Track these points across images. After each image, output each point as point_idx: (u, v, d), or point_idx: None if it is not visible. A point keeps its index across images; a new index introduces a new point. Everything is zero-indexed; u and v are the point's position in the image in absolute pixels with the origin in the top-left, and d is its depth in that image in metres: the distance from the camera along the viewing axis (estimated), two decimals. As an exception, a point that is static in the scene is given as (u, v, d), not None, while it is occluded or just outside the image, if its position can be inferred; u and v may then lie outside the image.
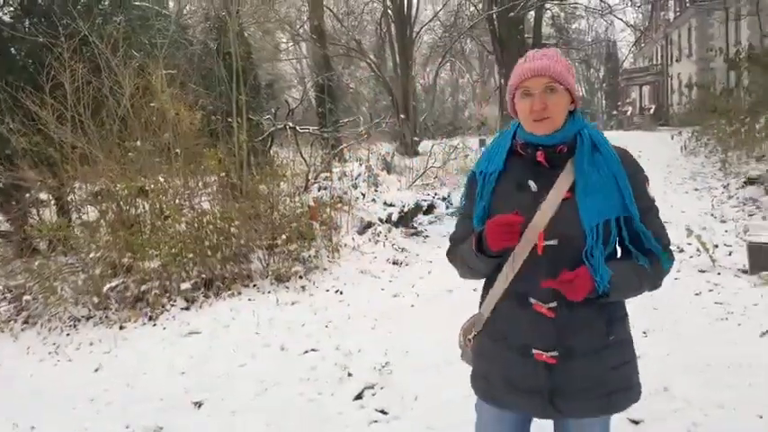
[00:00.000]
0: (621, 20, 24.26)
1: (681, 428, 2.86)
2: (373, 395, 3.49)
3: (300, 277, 5.86)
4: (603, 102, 47.87)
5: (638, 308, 2.43)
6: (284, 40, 25.60)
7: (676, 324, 4.21)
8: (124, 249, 5.46)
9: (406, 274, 6.18)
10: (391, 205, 8.47)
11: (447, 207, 9.35)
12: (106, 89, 6.07)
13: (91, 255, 5.44)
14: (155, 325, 4.87)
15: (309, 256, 6.26)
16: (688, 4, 30.49)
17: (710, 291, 4.94)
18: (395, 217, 8.09)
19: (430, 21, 24.24)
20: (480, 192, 1.62)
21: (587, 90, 51.88)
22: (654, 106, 35.50)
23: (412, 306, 5.12)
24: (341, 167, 10.48)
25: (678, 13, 33.55)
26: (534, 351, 1.54)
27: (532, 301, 1.54)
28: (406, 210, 8.33)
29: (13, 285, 5.49)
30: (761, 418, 2.91)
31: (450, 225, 8.65)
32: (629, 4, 22.52)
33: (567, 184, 1.51)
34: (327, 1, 20.74)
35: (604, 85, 47.42)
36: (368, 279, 5.97)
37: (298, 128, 10.29)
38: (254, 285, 5.72)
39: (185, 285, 5.29)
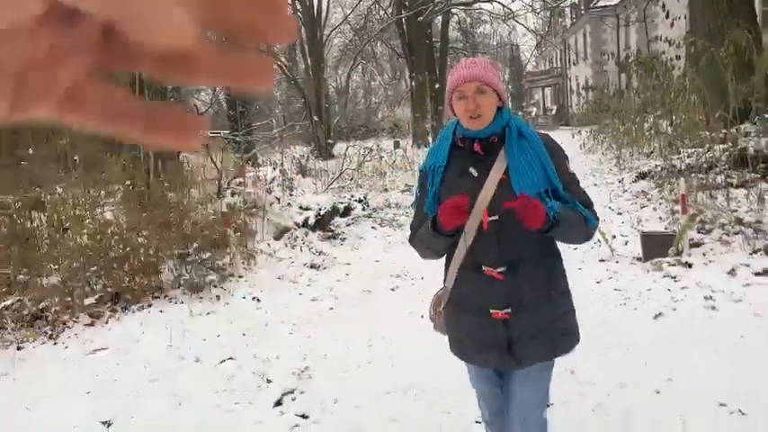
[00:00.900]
0: (523, 25, 25.37)
1: (587, 409, 3.05)
2: (293, 400, 3.45)
3: (215, 286, 5.68)
4: (509, 102, 49.87)
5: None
6: (191, 42, 24.76)
7: (580, 310, 4.42)
8: (19, 265, 5.07)
9: (324, 278, 6.15)
10: (307, 209, 8.41)
11: (363, 209, 9.40)
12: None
13: (-20, 273, 5.01)
14: (56, 344, 4.55)
15: (224, 264, 6.09)
16: (583, 12, 32.47)
17: (610, 278, 5.29)
18: (311, 221, 8.04)
19: (340, 24, 24.30)
20: (431, 182, 1.89)
21: (494, 92, 53.84)
22: (555, 107, 37.50)
23: (330, 309, 5.11)
24: (254, 172, 10.27)
25: (574, 20, 35.67)
26: (491, 311, 1.83)
27: (485, 268, 1.82)
28: (322, 213, 8.30)
29: None
30: (658, 393, 3.15)
31: (366, 227, 8.76)
32: (530, 10, 23.61)
33: (502, 168, 1.80)
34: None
35: (509, 86, 49.47)
36: (285, 285, 5.89)
37: (208, 132, 9.97)
38: (166, 297, 5.49)
39: (89, 300, 4.99)
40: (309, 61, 19.38)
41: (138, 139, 0.26)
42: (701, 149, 7.97)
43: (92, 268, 5.24)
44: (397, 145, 19.57)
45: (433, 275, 6.04)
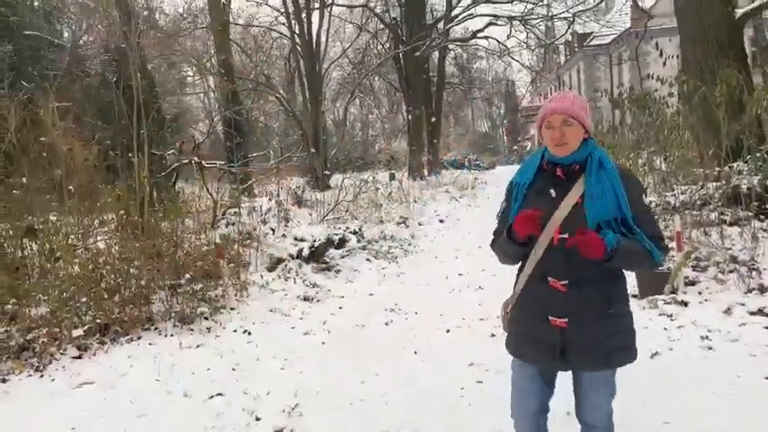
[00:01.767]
0: (518, 61, 25.81)
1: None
2: (283, 439, 3.37)
3: (206, 318, 5.60)
4: (505, 137, 50.40)
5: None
6: (191, 74, 25.07)
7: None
8: (7, 295, 5.00)
9: (317, 311, 6.08)
10: (302, 240, 8.37)
11: (358, 241, 9.36)
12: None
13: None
14: (42, 376, 4.45)
15: (216, 296, 6.02)
16: (576, 49, 33.07)
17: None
18: (306, 252, 7.99)
19: (338, 58, 24.59)
20: (515, 196, 2.17)
21: (490, 126, 54.51)
22: (550, 142, 37.68)
23: (323, 344, 5.03)
24: (250, 202, 10.26)
25: (568, 57, 36.29)
26: (550, 317, 2.07)
27: (550, 279, 2.07)
28: (317, 244, 8.26)
29: None
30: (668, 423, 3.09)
31: (361, 259, 8.70)
32: (525, 47, 24.04)
33: (579, 193, 2.04)
34: (235, 35, 20.60)
35: (505, 121, 49.98)
36: (277, 317, 5.81)
37: (204, 162, 9.99)
38: (156, 328, 5.40)
39: (77, 332, 4.90)
40: (308, 94, 19.54)
41: None
42: (694, 186, 8.01)
43: (82, 299, 5.17)
44: (392, 177, 19.64)
45: (425, 311, 6.00)
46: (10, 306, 4.95)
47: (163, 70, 18.89)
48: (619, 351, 2.12)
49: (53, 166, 5.93)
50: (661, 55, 9.42)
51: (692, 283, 5.48)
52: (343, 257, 8.51)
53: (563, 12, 20.26)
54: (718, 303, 4.86)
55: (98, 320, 5.15)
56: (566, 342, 2.06)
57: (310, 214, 10.79)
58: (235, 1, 20.19)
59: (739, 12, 8.38)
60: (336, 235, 8.99)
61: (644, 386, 3.63)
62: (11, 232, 5.37)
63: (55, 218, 5.95)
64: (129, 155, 7.50)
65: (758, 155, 6.93)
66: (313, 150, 18.11)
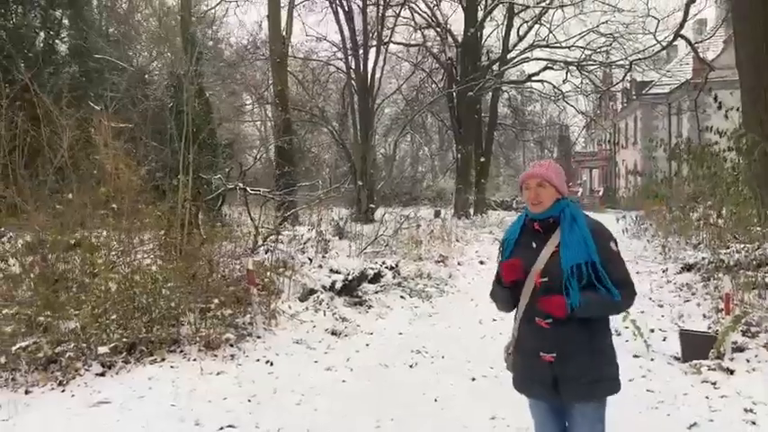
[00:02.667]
0: (573, 106, 25.58)
1: None
2: (287, 480, 3.26)
3: (231, 345, 5.59)
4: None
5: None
6: (248, 102, 25.93)
7: (608, 408, 4.13)
8: (42, 307, 5.13)
9: (343, 346, 5.98)
10: (337, 272, 8.32)
11: (394, 276, 9.24)
12: (44, 139, 5.89)
13: (5, 311, 5.08)
14: (63, 391, 4.50)
15: (244, 323, 6.01)
16: (634, 97, 32.48)
17: (643, 377, 4.93)
18: (339, 285, 7.93)
19: (392, 94, 24.97)
20: (504, 250, 2.55)
21: (542, 169, 53.63)
22: (602, 188, 36.97)
23: (343, 381, 4.91)
24: (292, 231, 10.34)
25: (625, 104, 35.67)
26: (541, 353, 2.37)
27: (537, 319, 2.38)
28: (350, 277, 8.19)
29: None
30: None
31: (395, 296, 8.58)
32: (580, 92, 23.77)
33: (555, 243, 2.39)
34: (293, 68, 21.21)
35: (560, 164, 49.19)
36: (302, 349, 5.74)
37: (248, 189, 10.17)
38: (181, 351, 5.42)
39: (103, 349, 4.96)
40: (359, 127, 19.82)
41: None
42: (750, 246, 7.58)
43: (112, 316, 5.25)
44: (437, 214, 19.54)
45: (453, 355, 5.80)
46: (43, 318, 5.07)
47: (224, 97, 19.62)
48: (602, 381, 2.38)
49: (100, 185, 6.12)
50: (720, 107, 9.09)
51: (741, 350, 5.10)
52: (376, 293, 8.40)
53: (620, 59, 19.93)
54: (766, 374, 4.49)
55: (125, 339, 5.20)
56: (555, 375, 2.36)
57: (350, 246, 10.76)
58: (295, 36, 20.79)
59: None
60: (372, 269, 8.90)
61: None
62: (53, 245, 5.53)
63: (97, 235, 6.10)
64: (177, 177, 7.71)
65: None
66: (360, 183, 18.27)
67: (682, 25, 15.54)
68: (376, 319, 7.25)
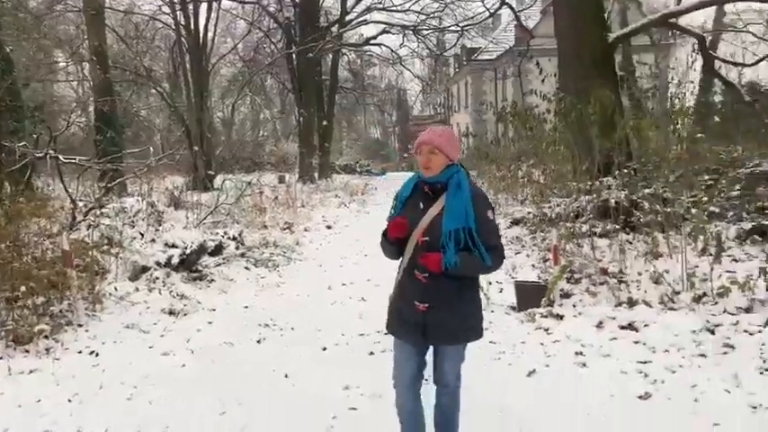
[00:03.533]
0: (410, 70, 26.27)
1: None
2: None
3: (46, 337, 4.84)
4: (396, 144, 51.17)
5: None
6: (61, 60, 22.84)
7: (455, 367, 4.24)
8: None
9: (182, 326, 5.48)
10: (173, 246, 7.63)
11: (237, 247, 8.76)
12: None
13: None
14: None
15: (61, 311, 5.25)
16: (465, 63, 34.27)
17: (485, 329, 5.15)
18: (175, 260, 7.28)
19: (227, 54, 23.59)
20: (396, 205, 2.76)
21: (381, 133, 55.16)
22: (439, 151, 38.73)
23: (183, 366, 4.49)
24: (119, 203, 9.31)
25: (457, 70, 37.56)
26: (416, 303, 2.64)
27: (416, 272, 2.63)
28: (189, 251, 7.58)
29: None
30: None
31: (239, 267, 8.14)
32: (416, 56, 24.45)
33: (440, 207, 2.62)
34: (113, 22, 18.99)
35: (396, 128, 50.77)
36: (134, 334, 5.16)
37: (61, 157, 8.91)
38: (-18, 351, 4.58)
39: None
40: (192, 89, 18.43)
41: None
42: (568, 199, 8.31)
43: None
44: (282, 180, 19.04)
45: (303, 326, 5.62)
46: None
47: (31, 54, 16.96)
48: (467, 330, 2.70)
49: None
50: (540, 73, 9.77)
51: (567, 296, 5.57)
52: (218, 265, 7.89)
53: (452, 25, 20.74)
54: (590, 317, 4.93)
55: None
56: (426, 322, 2.62)
57: (187, 217, 10.00)
58: (113, -15, 18.56)
59: (612, 36, 8.84)
60: (213, 241, 8.33)
61: (522, 413, 3.51)
62: None
63: None
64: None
65: (625, 171, 7.27)
66: (196, 148, 17.10)
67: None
68: (219, 294, 6.80)
